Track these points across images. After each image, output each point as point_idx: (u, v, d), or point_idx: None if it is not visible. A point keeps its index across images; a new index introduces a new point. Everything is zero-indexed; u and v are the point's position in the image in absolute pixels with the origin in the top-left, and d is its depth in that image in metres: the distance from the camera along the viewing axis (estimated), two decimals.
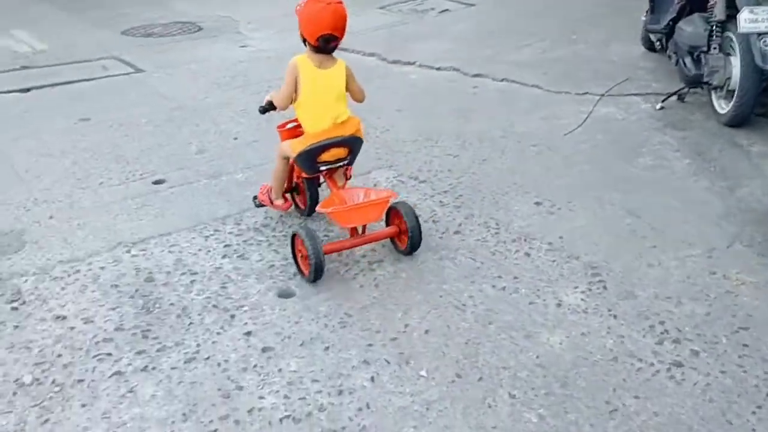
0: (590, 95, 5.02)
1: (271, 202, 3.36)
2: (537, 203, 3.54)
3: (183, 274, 3.02)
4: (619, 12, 7.25)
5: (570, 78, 5.39)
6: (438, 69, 5.78)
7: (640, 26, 6.11)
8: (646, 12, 5.67)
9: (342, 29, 2.88)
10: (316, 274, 2.86)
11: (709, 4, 4.26)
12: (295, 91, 2.98)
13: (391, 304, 2.78)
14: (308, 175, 3.18)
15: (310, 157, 3.00)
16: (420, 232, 3.01)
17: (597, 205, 3.48)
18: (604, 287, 2.84)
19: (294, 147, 3.05)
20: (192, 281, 2.97)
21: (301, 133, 3.12)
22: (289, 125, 3.25)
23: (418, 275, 2.97)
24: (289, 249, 3.05)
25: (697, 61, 4.41)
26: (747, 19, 3.85)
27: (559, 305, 2.75)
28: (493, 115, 4.74)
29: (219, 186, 3.84)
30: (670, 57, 4.93)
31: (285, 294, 2.87)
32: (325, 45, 2.89)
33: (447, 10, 7.86)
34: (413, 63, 5.97)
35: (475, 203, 3.55)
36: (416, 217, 3.00)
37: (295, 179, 3.38)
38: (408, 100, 5.12)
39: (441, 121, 4.67)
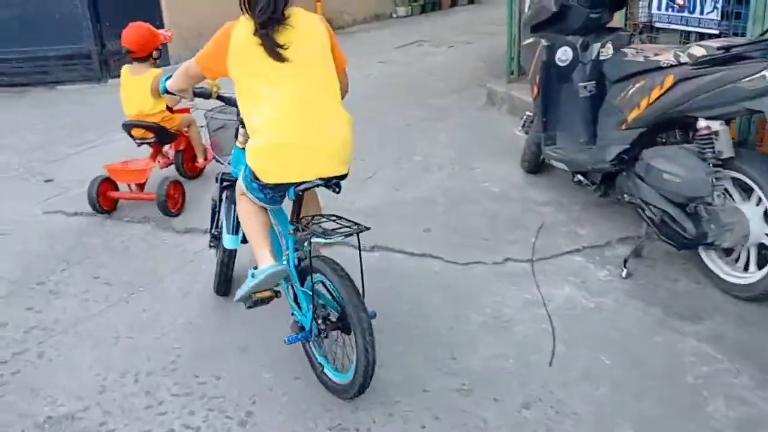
0: (513, 263, 3.35)
1: None
2: None
3: None
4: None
5: (470, 238, 3.68)
6: None
7: (502, 139, 4.70)
8: (524, 125, 4.24)
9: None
10: None
11: (701, 132, 2.86)
12: None
13: None
14: None
15: None
16: None
17: None
18: None
19: None
20: None
21: None
22: None
23: None
24: None
25: (694, 216, 2.95)
26: None
27: None
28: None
29: None
30: (624, 200, 3.36)
31: None
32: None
33: None
34: None
35: None
36: None
37: None
38: None
39: None
